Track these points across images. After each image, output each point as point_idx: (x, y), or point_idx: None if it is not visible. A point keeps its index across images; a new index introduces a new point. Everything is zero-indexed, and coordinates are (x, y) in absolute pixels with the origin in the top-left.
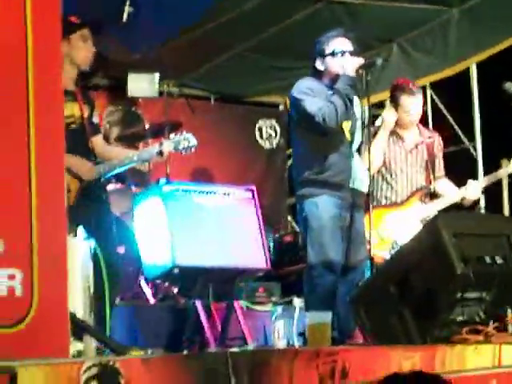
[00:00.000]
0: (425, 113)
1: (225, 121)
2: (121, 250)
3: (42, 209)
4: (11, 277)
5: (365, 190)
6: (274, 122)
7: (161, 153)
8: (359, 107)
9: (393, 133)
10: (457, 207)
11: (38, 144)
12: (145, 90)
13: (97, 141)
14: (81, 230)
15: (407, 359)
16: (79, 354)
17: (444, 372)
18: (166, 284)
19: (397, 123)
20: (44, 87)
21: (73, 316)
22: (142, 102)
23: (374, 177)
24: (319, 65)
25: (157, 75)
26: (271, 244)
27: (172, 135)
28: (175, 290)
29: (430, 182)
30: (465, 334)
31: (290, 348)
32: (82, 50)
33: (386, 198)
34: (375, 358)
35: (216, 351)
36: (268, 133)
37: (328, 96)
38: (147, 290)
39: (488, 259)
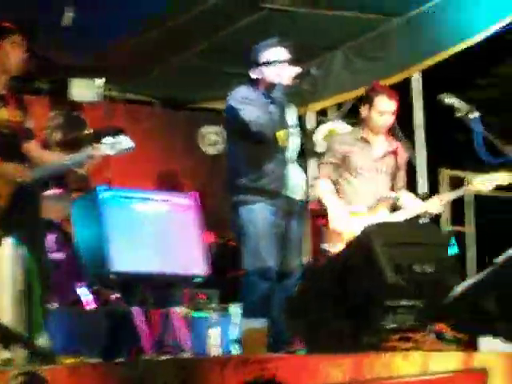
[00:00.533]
0: None
1: (169, 126)
2: (60, 255)
3: None
4: None
5: (301, 197)
6: (218, 127)
7: (92, 156)
8: (295, 115)
9: (361, 139)
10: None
11: None
12: (88, 95)
13: (30, 146)
14: (10, 236)
15: (336, 367)
16: (7, 362)
17: (373, 379)
18: (105, 290)
19: (367, 127)
20: None
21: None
22: (85, 107)
23: (337, 181)
24: (255, 73)
25: (100, 80)
26: (214, 250)
27: (106, 138)
28: (115, 296)
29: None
30: (395, 342)
31: (219, 356)
32: (12, 56)
33: (350, 203)
34: (305, 366)
35: (146, 359)
36: (212, 139)
37: (264, 105)
38: (87, 296)
39: (418, 268)
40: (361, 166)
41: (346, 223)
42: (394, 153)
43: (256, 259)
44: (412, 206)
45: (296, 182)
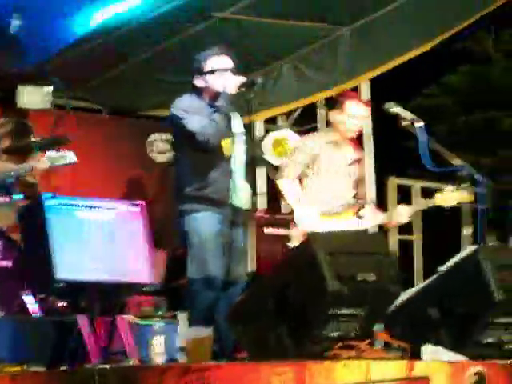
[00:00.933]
0: None
1: (117, 135)
2: (5, 263)
3: None
4: None
5: (246, 206)
6: (168, 135)
7: (35, 168)
8: (241, 124)
9: (332, 142)
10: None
11: None
12: (36, 102)
13: None
14: None
15: (277, 375)
16: None
17: None
18: (51, 298)
19: (337, 131)
20: None
21: None
22: (32, 115)
23: (302, 181)
24: (199, 82)
25: (49, 87)
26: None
27: (49, 152)
28: (60, 305)
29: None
30: (337, 350)
31: (160, 364)
32: None
33: (313, 204)
34: (246, 374)
35: (85, 367)
36: (161, 146)
37: (209, 113)
38: (32, 304)
39: (361, 277)
40: (329, 169)
41: (315, 224)
42: (359, 161)
43: (201, 268)
44: (377, 215)
45: (241, 190)
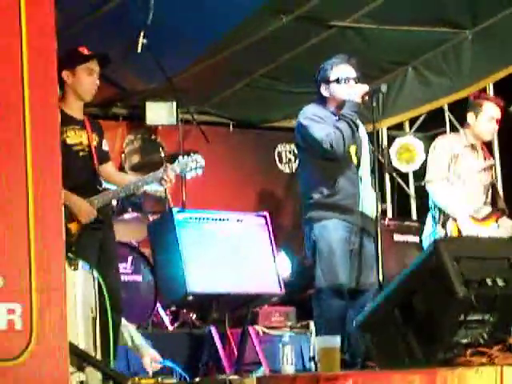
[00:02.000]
0: None
1: (244, 147)
2: (138, 277)
3: (40, 242)
4: (11, 311)
5: (374, 214)
6: (293, 146)
7: (162, 178)
8: (365, 132)
9: (470, 145)
10: None
11: (35, 177)
12: (163, 118)
13: (106, 168)
14: (82, 261)
15: (409, 383)
16: None
17: None
18: (184, 311)
19: (472, 135)
20: (41, 119)
21: (74, 347)
22: (160, 131)
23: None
24: (324, 91)
25: (174, 103)
26: (291, 268)
27: (178, 159)
28: (192, 317)
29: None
30: (468, 357)
31: (289, 374)
32: (85, 83)
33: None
34: (376, 382)
35: (216, 378)
36: (287, 157)
37: (334, 122)
38: (165, 317)
39: (489, 282)
40: (467, 173)
41: (472, 229)
42: (491, 167)
43: (330, 276)
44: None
45: (369, 197)
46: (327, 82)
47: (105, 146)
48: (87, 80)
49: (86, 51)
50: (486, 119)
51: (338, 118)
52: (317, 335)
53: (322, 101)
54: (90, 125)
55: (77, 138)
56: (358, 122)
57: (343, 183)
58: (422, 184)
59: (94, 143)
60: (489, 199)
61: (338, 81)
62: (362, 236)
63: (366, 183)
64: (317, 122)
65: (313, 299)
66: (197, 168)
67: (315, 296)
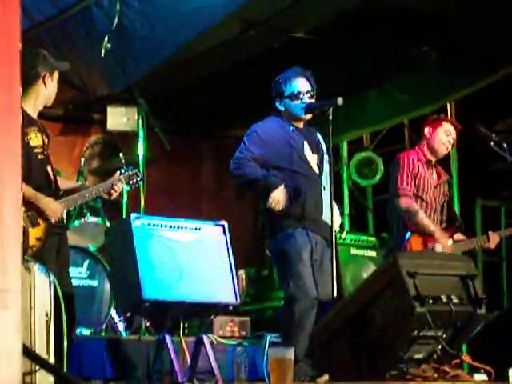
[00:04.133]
0: None
1: (204, 155)
2: (93, 282)
3: None
4: None
5: (335, 226)
6: None
7: (109, 192)
8: (323, 144)
9: (427, 161)
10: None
11: None
12: (124, 124)
13: (52, 171)
14: (39, 264)
15: None
16: None
17: None
18: (138, 317)
19: (429, 148)
20: None
21: (28, 349)
22: (121, 136)
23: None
24: (279, 105)
25: (135, 109)
26: (248, 279)
27: (121, 173)
28: (147, 324)
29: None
30: (421, 372)
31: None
32: (54, 87)
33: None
34: None
35: None
36: None
37: (288, 136)
38: (119, 323)
39: (444, 298)
40: (427, 190)
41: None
42: (446, 183)
43: (298, 285)
44: (469, 240)
45: (328, 208)
46: (281, 96)
47: (49, 150)
48: (55, 84)
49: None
50: (443, 132)
51: (292, 129)
52: (284, 345)
53: (279, 113)
54: (41, 127)
55: (38, 140)
56: (316, 133)
57: (307, 192)
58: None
59: (45, 146)
60: (444, 215)
61: (291, 97)
62: (323, 246)
63: (327, 193)
64: (250, 143)
65: (282, 309)
66: (137, 181)
67: (285, 305)
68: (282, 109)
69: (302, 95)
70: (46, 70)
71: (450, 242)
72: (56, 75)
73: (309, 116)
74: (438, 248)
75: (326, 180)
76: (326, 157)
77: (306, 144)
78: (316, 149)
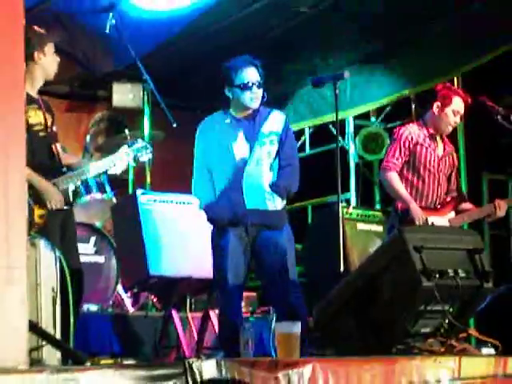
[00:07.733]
0: None
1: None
2: (100, 259)
3: (2, 219)
4: None
5: (272, 205)
6: None
7: (114, 165)
8: (281, 124)
9: (430, 135)
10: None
11: None
12: (129, 100)
13: (58, 149)
14: (44, 240)
15: (367, 371)
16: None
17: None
18: (145, 293)
19: (434, 125)
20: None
21: (34, 325)
22: (127, 112)
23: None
24: (227, 92)
25: (141, 86)
26: None
27: (128, 146)
28: (153, 299)
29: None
30: (428, 346)
31: (249, 359)
32: (54, 61)
33: (415, 199)
34: (335, 369)
35: (174, 361)
36: None
37: (228, 129)
38: (126, 299)
39: (451, 272)
40: (428, 163)
41: (424, 219)
42: (451, 154)
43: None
44: (476, 210)
45: (258, 192)
46: (230, 85)
47: (54, 127)
48: (54, 58)
49: (43, 31)
50: (452, 112)
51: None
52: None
53: (226, 102)
54: (43, 104)
55: (37, 117)
56: (278, 114)
57: (224, 186)
58: None
59: (49, 123)
60: (452, 185)
61: (241, 87)
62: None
63: (255, 178)
64: (199, 142)
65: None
66: (147, 153)
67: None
68: (231, 97)
69: (251, 85)
70: (36, 47)
71: (452, 214)
72: (50, 48)
73: (256, 105)
74: (436, 221)
75: (259, 165)
76: (271, 138)
77: (239, 135)
78: (254, 135)
